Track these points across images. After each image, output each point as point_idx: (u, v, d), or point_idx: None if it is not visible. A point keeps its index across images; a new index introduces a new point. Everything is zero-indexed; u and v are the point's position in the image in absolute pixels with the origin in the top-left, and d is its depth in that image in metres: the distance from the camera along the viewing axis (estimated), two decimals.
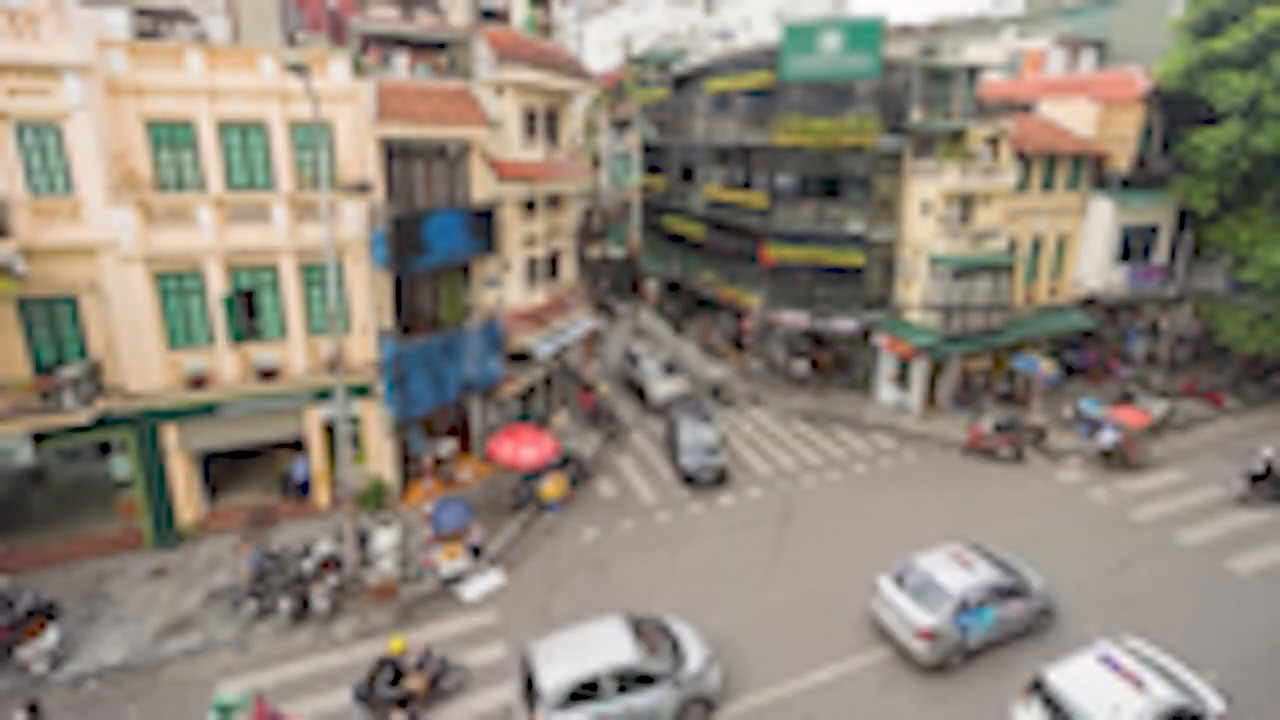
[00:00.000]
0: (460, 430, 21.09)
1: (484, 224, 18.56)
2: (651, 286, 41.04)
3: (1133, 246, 27.65)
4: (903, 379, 25.68)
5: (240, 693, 11.59)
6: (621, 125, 43.44)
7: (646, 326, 36.58)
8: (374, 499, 18.21)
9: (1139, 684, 11.23)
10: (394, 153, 17.41)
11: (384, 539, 15.81)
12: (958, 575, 13.67)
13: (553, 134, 22.76)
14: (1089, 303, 28.00)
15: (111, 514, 16.75)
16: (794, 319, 26.52)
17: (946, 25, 40.51)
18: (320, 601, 14.57)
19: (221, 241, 15.61)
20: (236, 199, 15.68)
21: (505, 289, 20.56)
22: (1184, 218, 28.12)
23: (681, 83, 33.12)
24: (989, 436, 22.25)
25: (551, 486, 18.79)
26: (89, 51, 13.99)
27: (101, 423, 15.29)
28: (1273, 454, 19.67)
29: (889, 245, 25.52)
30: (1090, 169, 26.92)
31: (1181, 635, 14.39)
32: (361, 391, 17.74)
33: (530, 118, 21.12)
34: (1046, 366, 24.16)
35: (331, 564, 15.18)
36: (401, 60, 19.92)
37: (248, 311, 16.49)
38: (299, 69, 12.61)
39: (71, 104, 13.83)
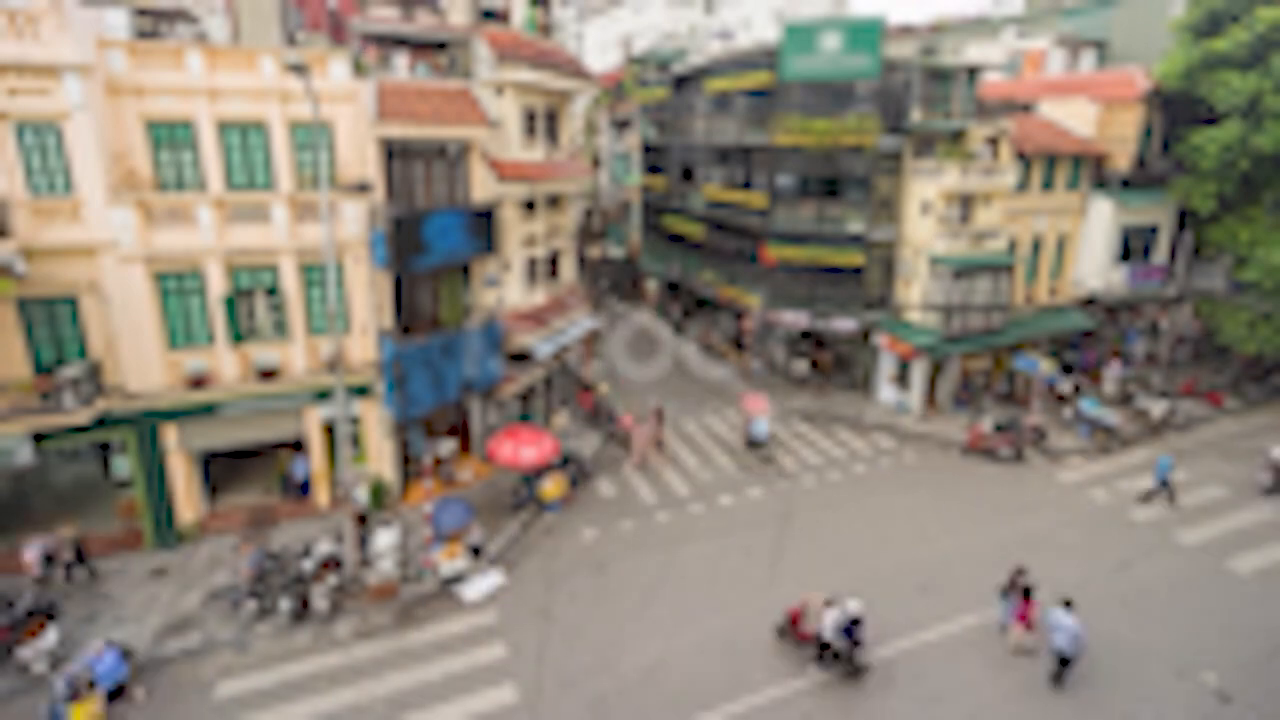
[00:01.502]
0: (460, 430, 21.09)
1: (484, 224, 18.55)
2: (651, 286, 41.03)
3: (1133, 246, 27.64)
4: (903, 379, 25.67)
5: None
6: (621, 125, 43.42)
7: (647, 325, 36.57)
8: (374, 499, 18.20)
9: None
10: (394, 153, 17.40)
11: (384, 539, 15.81)
12: None
13: (553, 134, 22.76)
14: (1089, 303, 27.99)
15: (111, 514, 16.76)
16: (794, 319, 26.51)
17: (946, 25, 40.51)
18: (320, 601, 14.57)
19: (221, 241, 15.60)
20: (236, 199, 15.68)
21: (505, 289, 20.56)
22: (1184, 218, 28.11)
23: (681, 83, 33.11)
24: (989, 436, 22.24)
25: (551, 486, 18.78)
26: (89, 51, 13.99)
27: (101, 423, 15.29)
28: None
29: (889, 245, 25.51)
30: (1090, 169, 26.91)
31: (1182, 635, 14.40)
32: (361, 391, 17.74)
33: (530, 118, 21.12)
34: (1046, 366, 24.17)
35: (331, 564, 15.18)
36: (401, 60, 19.91)
37: (248, 311, 16.49)
38: (299, 69, 12.61)
39: (71, 104, 13.83)
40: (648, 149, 38.60)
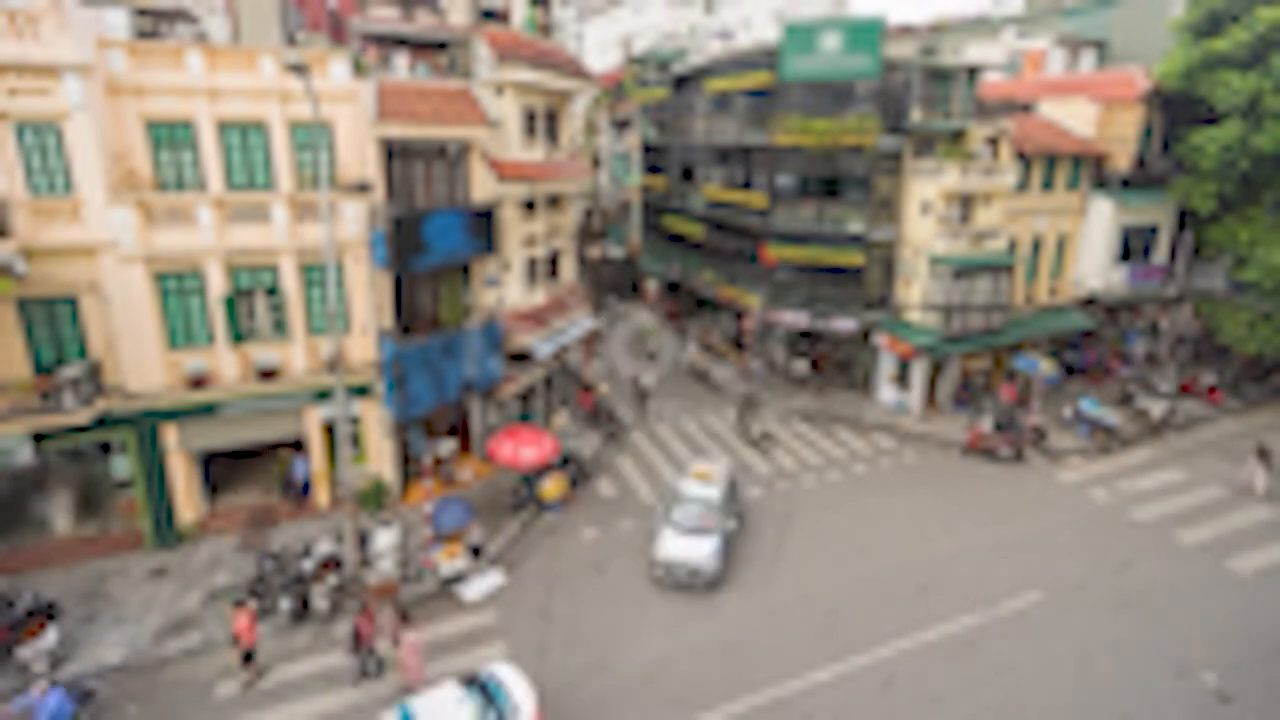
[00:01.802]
0: (460, 430, 21.08)
1: (484, 224, 18.55)
2: (651, 286, 41.02)
3: (1133, 246, 27.64)
4: (903, 379, 25.67)
5: None
6: (621, 125, 43.43)
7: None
8: (374, 499, 18.20)
9: None
10: (394, 153, 17.40)
11: (384, 539, 15.80)
12: None
13: (553, 134, 22.76)
14: (1089, 303, 27.99)
15: (111, 514, 16.75)
16: (794, 319, 26.51)
17: (946, 25, 40.51)
18: (320, 601, 14.57)
19: (221, 241, 15.60)
20: (236, 199, 15.68)
21: (505, 289, 20.56)
22: (1184, 218, 28.11)
23: (681, 83, 33.11)
24: (989, 436, 22.24)
25: (551, 486, 18.78)
26: (89, 51, 13.98)
27: (101, 423, 15.29)
28: None
29: (889, 245, 25.51)
30: (1090, 169, 26.91)
31: (1181, 635, 14.40)
32: (361, 391, 17.74)
33: (530, 118, 21.12)
34: (1046, 366, 24.16)
35: (331, 564, 15.18)
36: (401, 60, 19.91)
37: (248, 311, 16.48)
38: (299, 69, 12.60)
39: (71, 104, 13.83)
40: (648, 149, 38.61)
